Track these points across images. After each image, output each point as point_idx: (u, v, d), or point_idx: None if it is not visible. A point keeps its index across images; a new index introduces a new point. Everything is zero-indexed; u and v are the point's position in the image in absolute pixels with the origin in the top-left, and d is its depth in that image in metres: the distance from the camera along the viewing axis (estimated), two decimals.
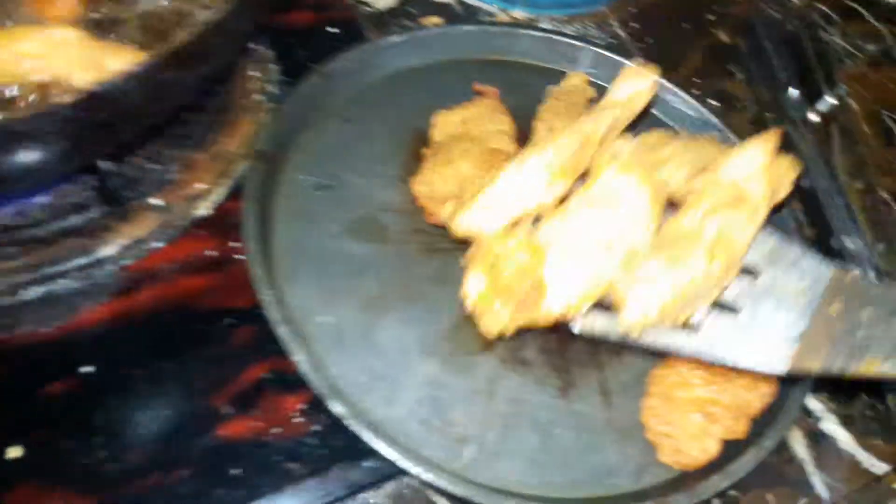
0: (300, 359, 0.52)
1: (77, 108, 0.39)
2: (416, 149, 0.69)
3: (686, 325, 0.55)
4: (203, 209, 0.62)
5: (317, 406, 0.53)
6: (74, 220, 0.58)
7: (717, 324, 0.54)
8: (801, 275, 0.55)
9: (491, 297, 0.54)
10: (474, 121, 0.68)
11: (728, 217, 0.56)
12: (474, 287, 0.55)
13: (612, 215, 0.56)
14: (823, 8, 0.92)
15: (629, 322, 0.53)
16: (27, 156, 0.45)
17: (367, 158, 0.67)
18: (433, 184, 0.63)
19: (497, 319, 0.54)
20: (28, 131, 0.43)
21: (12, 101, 0.49)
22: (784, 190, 0.62)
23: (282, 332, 0.53)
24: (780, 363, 0.53)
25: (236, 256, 0.60)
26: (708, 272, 0.54)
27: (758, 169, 0.60)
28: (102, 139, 0.51)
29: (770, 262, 0.56)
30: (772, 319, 0.54)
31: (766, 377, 0.57)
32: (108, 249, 0.57)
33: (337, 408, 0.50)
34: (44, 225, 0.57)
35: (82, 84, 0.48)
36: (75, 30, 0.51)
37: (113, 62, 0.49)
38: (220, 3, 0.48)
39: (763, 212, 0.58)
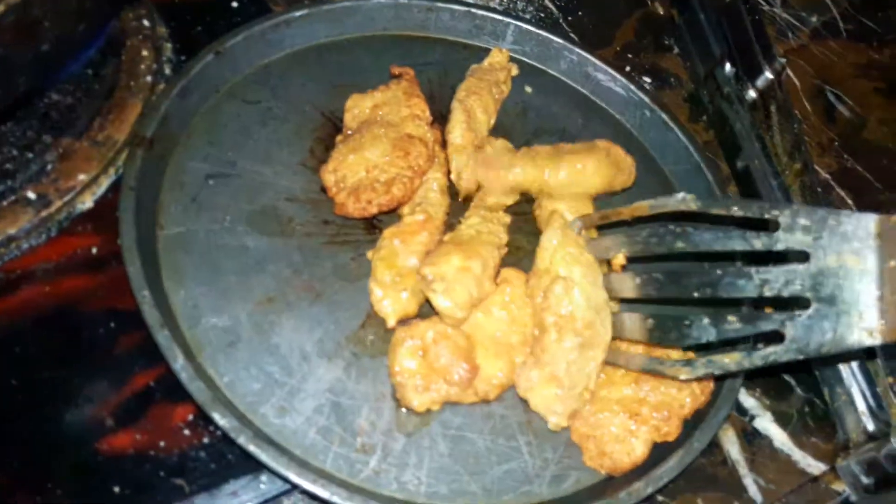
0: (179, 366, 0.48)
1: None
2: (325, 134, 0.66)
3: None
4: (85, 202, 0.58)
5: (207, 417, 0.51)
6: None
7: (799, 323, 0.49)
8: (846, 239, 0.49)
9: (419, 376, 0.52)
10: (389, 104, 0.65)
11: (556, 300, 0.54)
12: (406, 366, 0.53)
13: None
14: None
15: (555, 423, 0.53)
16: None
17: (270, 144, 0.63)
18: (342, 172, 0.60)
19: (422, 396, 0.52)
20: None
21: None
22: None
23: (160, 337, 0.49)
24: (872, 336, 0.48)
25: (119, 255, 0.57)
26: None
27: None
28: None
29: (812, 238, 0.49)
30: (843, 296, 0.48)
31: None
32: None
33: (222, 420, 0.47)
34: None
35: None
36: None
37: None
38: None
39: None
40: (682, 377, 0.51)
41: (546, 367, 0.52)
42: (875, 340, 0.48)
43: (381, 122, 0.64)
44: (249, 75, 0.67)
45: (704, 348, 0.54)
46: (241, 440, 0.46)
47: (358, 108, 0.66)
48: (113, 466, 0.49)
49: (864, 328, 0.48)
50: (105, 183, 0.59)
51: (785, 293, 0.49)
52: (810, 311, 0.48)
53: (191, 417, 0.51)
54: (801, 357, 0.49)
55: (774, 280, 0.48)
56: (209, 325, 0.53)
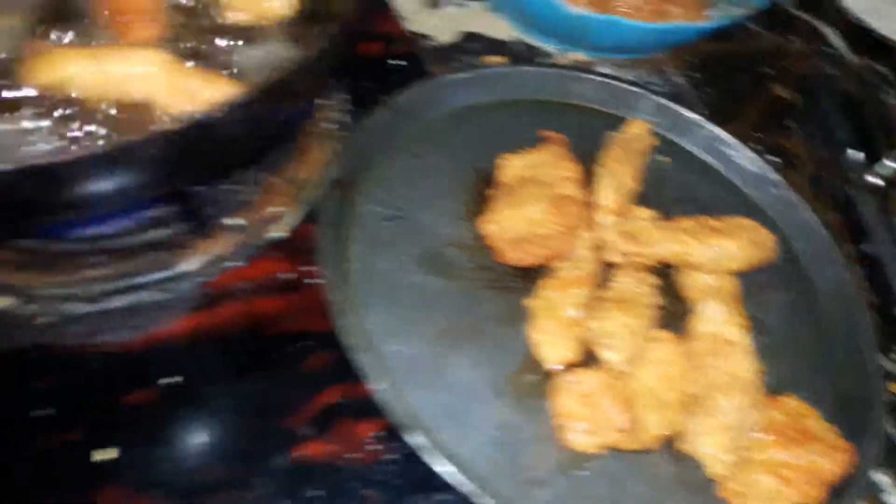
0: (379, 387, 0.57)
1: (184, 134, 0.45)
2: (479, 187, 0.76)
3: None
4: (278, 231, 0.68)
5: (391, 435, 0.58)
6: (156, 234, 0.63)
7: None
8: None
9: (583, 421, 0.60)
10: (541, 166, 0.75)
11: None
12: (570, 410, 0.60)
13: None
14: (882, 69, 1.00)
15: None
16: (128, 178, 0.51)
17: (432, 193, 0.73)
18: (502, 224, 0.70)
19: (585, 440, 0.60)
20: (138, 154, 0.48)
21: (110, 118, 0.56)
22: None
23: (360, 359, 0.58)
24: None
25: (309, 280, 0.66)
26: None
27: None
28: (199, 165, 0.58)
29: None
30: None
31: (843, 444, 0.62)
32: (187, 265, 0.63)
33: (415, 439, 0.55)
34: (127, 237, 0.63)
35: (172, 107, 0.55)
36: (163, 54, 0.58)
37: (205, 90, 0.56)
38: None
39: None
40: None
41: (715, 418, 0.60)
42: None
43: (535, 181, 0.73)
44: (414, 130, 0.77)
45: None
46: (433, 461, 0.55)
47: (510, 166, 0.76)
48: (307, 472, 0.57)
49: None
50: (294, 215, 0.70)
51: None
52: None
53: (375, 434, 0.60)
54: None
55: None
56: (393, 352, 0.61)
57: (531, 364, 0.65)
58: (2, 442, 0.55)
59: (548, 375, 0.64)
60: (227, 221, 0.66)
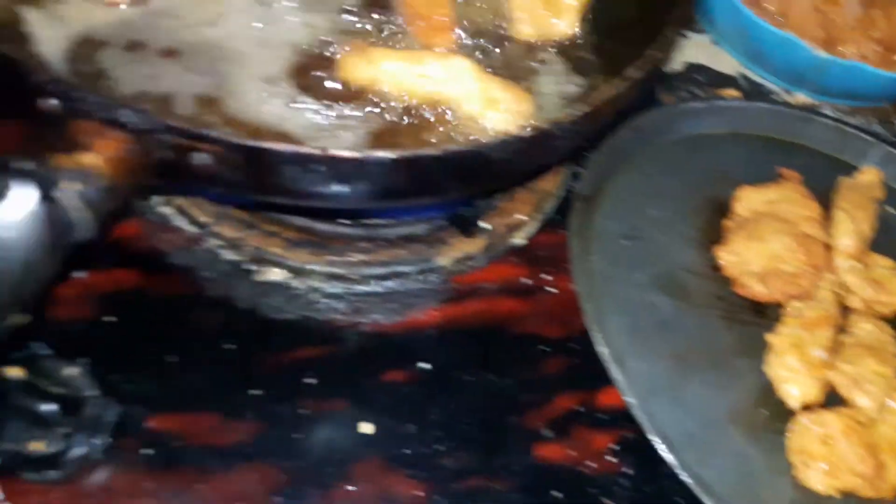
0: (632, 401, 0.59)
1: (532, 141, 0.48)
2: (713, 215, 0.76)
3: None
4: (518, 238, 0.71)
5: (627, 448, 0.60)
6: (417, 228, 0.68)
7: None
8: None
9: (823, 462, 0.60)
10: (781, 202, 0.75)
11: None
12: (811, 449, 0.60)
13: None
14: None
15: None
16: (433, 182, 0.53)
17: (667, 216, 0.75)
18: (743, 256, 0.70)
19: (825, 481, 0.59)
20: (493, 157, 0.48)
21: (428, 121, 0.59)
22: None
23: (613, 371, 0.60)
24: None
25: (548, 288, 0.69)
26: None
27: None
28: (501, 179, 0.61)
29: None
30: None
31: None
32: (442, 259, 0.67)
33: (668, 455, 0.57)
34: (391, 228, 0.67)
35: (477, 115, 0.58)
36: (470, 61, 0.61)
37: (511, 102, 0.59)
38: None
39: None
40: None
41: None
42: None
43: (774, 217, 0.73)
44: (650, 153, 0.79)
45: None
46: (686, 479, 0.56)
47: (749, 199, 0.76)
48: (549, 473, 0.59)
49: None
50: (533, 225, 0.72)
51: None
52: None
53: (612, 445, 0.61)
54: None
55: None
56: (633, 369, 0.63)
57: (767, 398, 0.65)
58: (267, 399, 0.59)
59: (785, 411, 0.63)
60: (480, 224, 0.69)
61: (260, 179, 0.41)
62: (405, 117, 0.58)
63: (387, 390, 0.61)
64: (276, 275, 0.64)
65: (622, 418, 0.62)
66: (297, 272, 0.64)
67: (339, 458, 0.57)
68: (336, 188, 0.42)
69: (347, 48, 0.58)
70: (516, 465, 0.59)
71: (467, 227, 0.66)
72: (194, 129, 0.37)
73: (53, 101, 0.39)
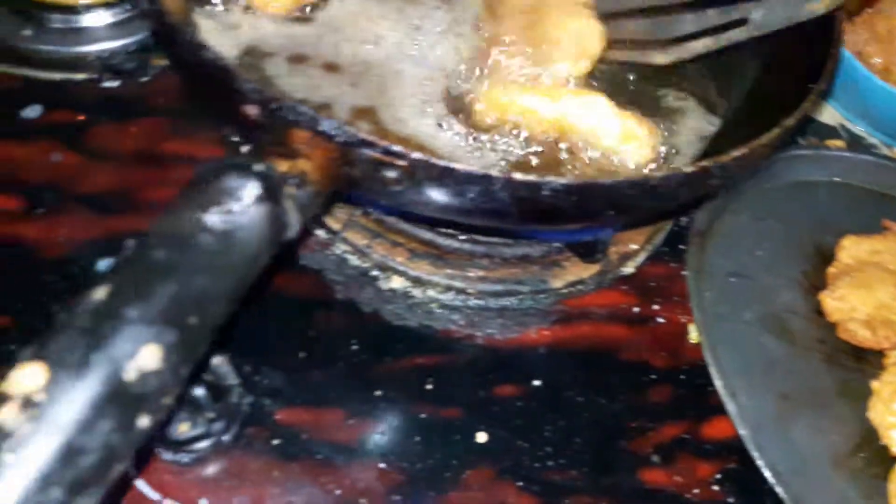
0: (745, 433, 0.61)
1: (694, 177, 0.49)
2: (815, 260, 0.78)
3: None
4: (629, 267, 0.73)
5: (731, 478, 0.62)
6: (534, 250, 0.70)
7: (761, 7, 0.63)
8: None
9: None
10: (886, 253, 0.76)
11: None
12: None
13: None
14: None
15: None
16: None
17: (772, 258, 0.76)
18: (848, 302, 0.72)
19: None
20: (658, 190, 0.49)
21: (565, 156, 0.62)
22: None
23: (727, 403, 0.62)
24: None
25: (656, 318, 0.71)
26: None
27: None
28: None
29: None
30: None
31: None
32: (555, 282, 0.69)
33: (777, 488, 0.58)
34: (510, 247, 0.70)
35: (617, 151, 0.61)
36: (605, 97, 0.64)
37: (646, 135, 0.61)
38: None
39: None
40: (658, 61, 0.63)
41: None
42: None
43: (880, 267, 0.75)
44: (756, 195, 0.81)
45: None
46: None
47: (853, 248, 0.77)
48: (654, 496, 0.61)
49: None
50: (642, 255, 0.74)
51: None
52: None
53: (717, 475, 0.63)
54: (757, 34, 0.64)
55: None
56: (744, 403, 0.64)
57: (869, 442, 0.66)
58: (387, 401, 0.61)
59: (886, 457, 0.65)
60: (603, 252, 0.71)
61: (438, 196, 0.44)
62: (540, 148, 0.61)
63: (499, 403, 0.63)
64: (398, 283, 0.67)
65: (726, 449, 0.64)
66: (418, 282, 0.67)
67: (455, 464, 0.60)
68: (503, 209, 0.45)
69: (488, 79, 0.61)
70: (624, 487, 0.61)
71: (591, 254, 0.68)
72: (392, 147, 0.40)
73: (256, 109, 0.42)
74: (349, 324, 0.65)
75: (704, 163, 0.47)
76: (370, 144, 0.40)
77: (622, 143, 0.59)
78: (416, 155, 0.40)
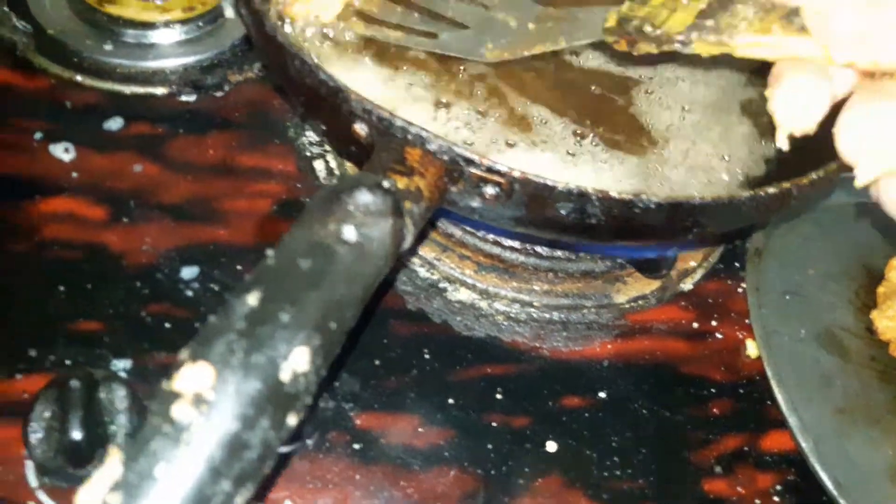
0: (808, 447, 0.63)
1: (774, 198, 0.52)
2: (865, 280, 0.80)
3: None
4: (688, 284, 0.76)
5: (791, 490, 0.65)
6: (597, 265, 0.73)
7: None
8: None
9: None
10: None
11: None
12: None
13: None
14: None
15: None
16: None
17: (823, 277, 0.79)
18: None
19: None
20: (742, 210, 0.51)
21: None
22: None
23: (788, 416, 0.65)
24: None
25: (714, 334, 0.73)
26: None
27: None
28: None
29: None
30: None
31: None
32: (618, 297, 0.72)
33: (840, 500, 0.61)
34: (574, 262, 0.73)
35: None
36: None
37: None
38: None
39: None
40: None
41: None
42: None
43: None
44: (806, 215, 0.84)
45: None
46: None
47: None
48: None
49: None
50: (700, 272, 0.77)
51: None
52: None
53: (776, 487, 0.65)
54: None
55: None
56: (803, 417, 0.67)
57: None
58: (460, 408, 0.64)
59: None
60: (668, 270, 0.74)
61: (532, 212, 0.47)
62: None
63: (567, 413, 0.66)
64: (465, 295, 0.70)
65: (785, 462, 0.67)
66: (485, 294, 0.70)
67: (526, 471, 0.62)
68: (594, 224, 0.47)
69: None
70: (689, 497, 0.64)
71: (657, 270, 0.71)
72: (495, 165, 0.43)
73: (365, 128, 0.45)
74: (420, 333, 0.67)
75: (786, 184, 0.49)
76: (473, 163, 0.43)
77: None
78: (517, 172, 0.43)
